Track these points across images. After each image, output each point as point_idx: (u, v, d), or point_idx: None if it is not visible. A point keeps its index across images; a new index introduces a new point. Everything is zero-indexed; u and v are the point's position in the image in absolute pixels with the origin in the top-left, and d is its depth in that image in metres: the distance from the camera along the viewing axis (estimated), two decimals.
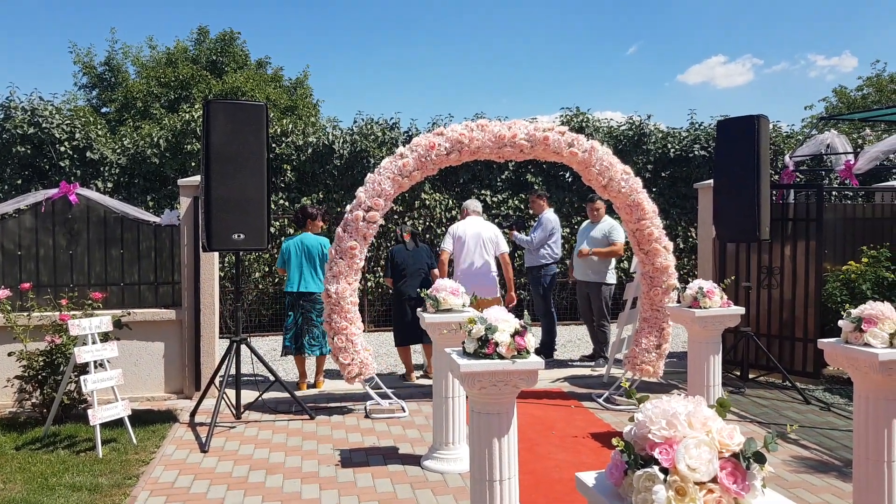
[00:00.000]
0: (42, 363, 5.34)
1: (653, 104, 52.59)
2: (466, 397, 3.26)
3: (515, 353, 3.09)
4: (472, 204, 7.32)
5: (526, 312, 7.82)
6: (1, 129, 9.39)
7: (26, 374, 5.35)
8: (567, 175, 10.71)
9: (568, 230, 10.72)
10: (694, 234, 10.55)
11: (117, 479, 4.32)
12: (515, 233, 8.06)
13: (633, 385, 6.33)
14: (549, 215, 7.87)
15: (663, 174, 10.98)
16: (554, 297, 10.51)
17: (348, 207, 5.79)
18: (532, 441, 5.08)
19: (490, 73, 48.67)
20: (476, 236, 6.95)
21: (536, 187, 10.14)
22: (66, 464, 4.56)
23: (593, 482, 1.69)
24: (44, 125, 9.38)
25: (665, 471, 1.46)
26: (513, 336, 3.11)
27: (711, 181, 6.78)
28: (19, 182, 9.30)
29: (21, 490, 4.12)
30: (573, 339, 9.52)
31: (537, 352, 8.32)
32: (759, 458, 1.46)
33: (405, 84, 46.49)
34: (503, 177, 10.68)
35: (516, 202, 10.57)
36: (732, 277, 5.27)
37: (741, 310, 4.83)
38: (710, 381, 4.73)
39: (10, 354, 5.43)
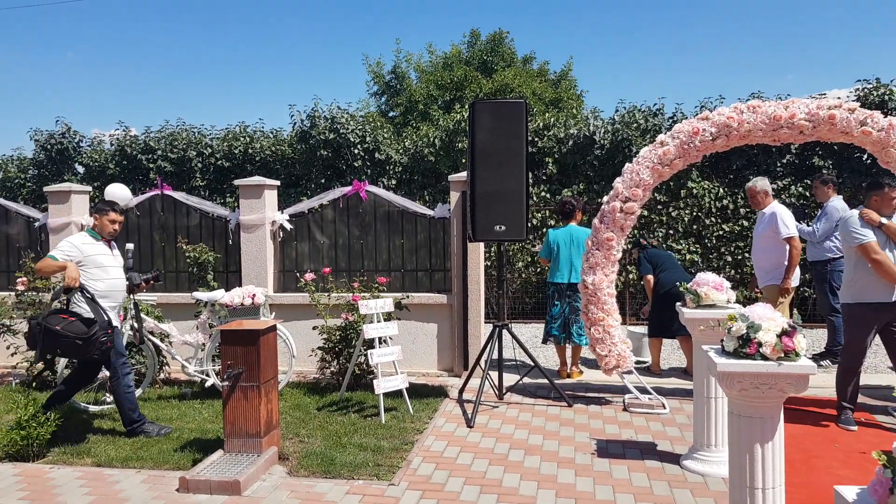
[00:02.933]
0: (338, 337, 6.22)
1: None
2: None
3: (782, 355, 2.90)
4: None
5: (796, 311, 7.09)
6: (308, 135, 11.00)
7: (326, 346, 6.29)
8: (865, 157, 9.42)
9: None
10: None
11: (396, 443, 4.89)
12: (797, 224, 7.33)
13: None
14: (837, 203, 7.00)
15: None
16: None
17: (605, 198, 5.79)
18: (809, 453, 4.65)
19: (771, 47, 44.18)
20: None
21: (823, 172, 9.08)
22: (356, 426, 5.27)
23: (854, 498, 1.57)
24: (341, 131, 10.79)
25: None
26: (779, 336, 2.92)
27: None
28: (322, 181, 10.82)
29: (320, 445, 4.88)
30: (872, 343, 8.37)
31: (821, 356, 7.58)
32: None
33: (672, 67, 44.27)
34: (784, 161, 9.74)
35: (800, 189, 9.57)
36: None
37: None
38: None
39: (314, 328, 6.41)
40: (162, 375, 6.64)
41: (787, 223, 6.24)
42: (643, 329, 7.61)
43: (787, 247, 6.25)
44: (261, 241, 7.17)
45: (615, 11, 41.21)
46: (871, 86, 9.69)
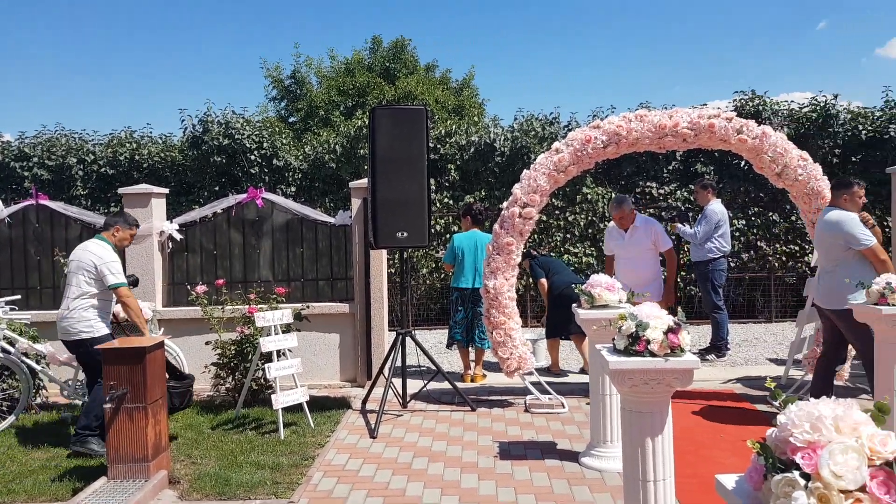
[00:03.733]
0: (234, 352, 5.98)
1: (847, 82, 47.52)
2: None
3: (668, 351, 3.00)
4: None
5: (680, 309, 7.49)
6: (200, 141, 10.58)
7: (220, 362, 6.03)
8: (742, 163, 10.04)
9: (744, 222, 10.06)
10: (889, 224, 9.45)
11: (295, 459, 4.74)
12: (679, 225, 7.71)
13: None
14: (716, 207, 7.44)
15: (853, 159, 9.94)
16: (728, 294, 9.95)
17: (505, 204, 5.88)
18: (699, 444, 4.87)
19: (658, 59, 46.57)
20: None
21: (704, 177, 9.61)
22: (253, 444, 5.08)
23: (733, 485, 1.63)
24: (236, 136, 10.45)
25: (807, 476, 1.38)
26: (665, 333, 3.02)
27: None
28: (216, 189, 10.42)
29: (214, 465, 4.65)
30: (749, 338, 8.92)
31: (706, 351, 7.98)
32: None
33: (567, 78, 45.82)
34: (670, 167, 10.25)
35: (685, 194, 10.09)
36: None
37: None
38: None
39: (207, 343, 6.13)
40: (38, 400, 6.15)
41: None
42: (535, 335, 7.76)
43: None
44: (148, 252, 6.81)
45: (515, 22, 42.24)
46: (747, 97, 10.36)
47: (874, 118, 10.00)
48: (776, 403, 1.53)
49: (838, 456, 1.36)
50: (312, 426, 5.44)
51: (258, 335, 5.72)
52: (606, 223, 10.16)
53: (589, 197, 10.18)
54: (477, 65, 39.69)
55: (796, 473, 1.39)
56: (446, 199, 10.39)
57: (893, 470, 1.35)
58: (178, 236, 6.91)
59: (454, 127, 10.65)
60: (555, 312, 6.84)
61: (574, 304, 4.74)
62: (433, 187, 10.23)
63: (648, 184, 10.21)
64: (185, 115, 10.77)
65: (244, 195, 6.98)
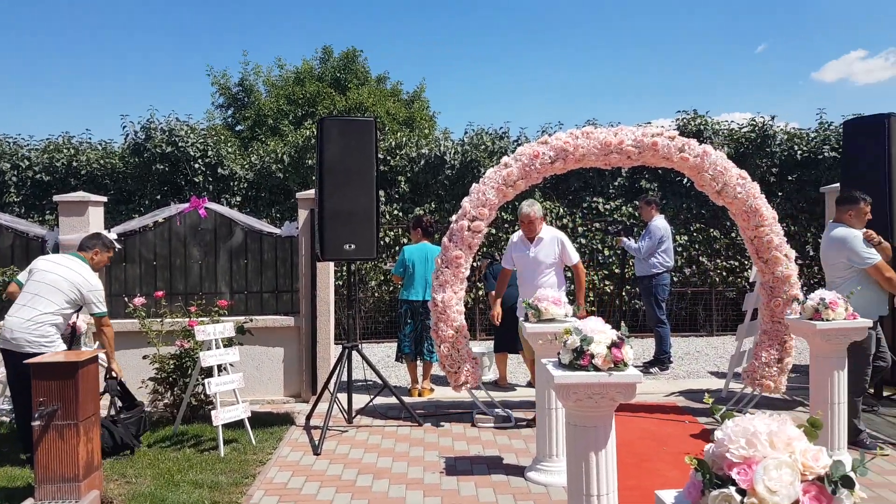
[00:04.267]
0: (173, 366, 5.79)
1: (784, 104, 49.50)
2: None
3: (612, 366, 3.03)
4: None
5: (623, 323, 7.59)
6: (142, 148, 10.29)
7: (159, 377, 5.83)
8: (685, 180, 10.30)
9: (686, 238, 10.31)
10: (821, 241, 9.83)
11: (236, 477, 4.61)
12: (624, 239, 7.84)
13: (754, 401, 5.99)
14: (659, 223, 7.60)
15: (790, 178, 10.32)
16: (671, 308, 10.17)
17: (453, 217, 5.88)
18: (641, 456, 4.92)
19: (607, 78, 47.65)
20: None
21: (648, 194, 9.83)
22: (191, 461, 4.91)
23: (672, 501, 1.63)
24: (180, 144, 10.19)
25: (742, 492, 1.39)
26: (609, 348, 3.05)
27: (839, 185, 6.30)
28: (158, 198, 10.15)
29: (150, 485, 4.48)
30: (691, 351, 9.12)
31: (650, 364, 8.10)
32: (848, 483, 1.36)
33: (518, 93, 46.46)
34: (616, 183, 10.45)
35: (630, 209, 10.29)
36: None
37: (868, 322, 4.45)
38: (835, 398, 4.39)
39: (144, 357, 5.93)
40: None
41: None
42: (483, 348, 7.77)
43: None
44: None
45: (466, 37, 42.62)
46: (689, 116, 10.66)
47: (809, 139, 10.40)
48: (716, 417, 1.54)
49: (772, 471, 1.38)
50: (254, 443, 5.31)
51: (198, 349, 5.56)
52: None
53: None
54: (428, 77, 39.86)
55: (732, 489, 1.40)
56: (396, 211, 10.34)
57: (825, 485, 1.37)
58: (116, 246, 6.66)
59: (404, 139, 10.64)
60: (504, 326, 6.83)
61: (521, 318, 4.76)
62: (383, 199, 10.18)
63: (595, 199, 10.38)
64: (126, 122, 10.49)
65: (186, 204, 6.80)
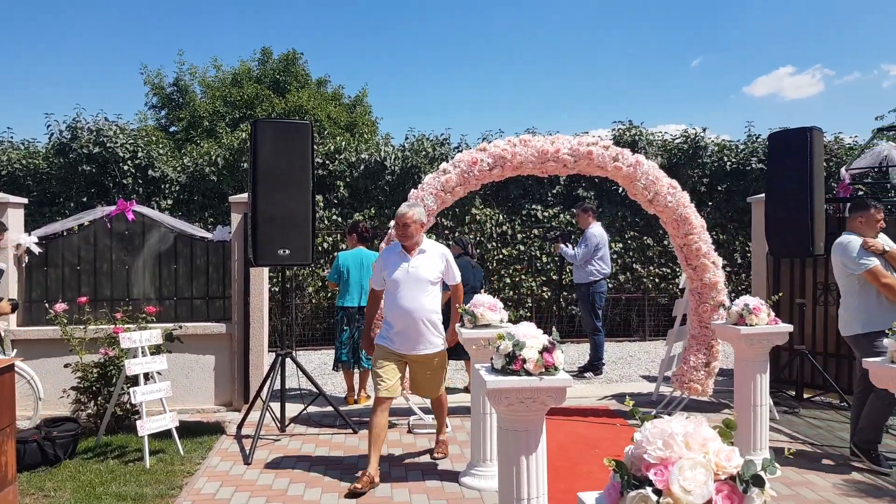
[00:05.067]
0: (96, 375, 5.56)
1: (717, 117, 51.36)
2: None
3: (543, 370, 3.06)
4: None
5: (555, 329, 7.68)
6: (68, 148, 9.88)
7: (81, 386, 5.59)
8: (620, 189, 10.54)
9: (621, 245, 10.54)
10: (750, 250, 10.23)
11: (161, 489, 4.45)
12: (562, 246, 7.95)
13: (682, 404, 6.16)
14: (595, 230, 7.74)
15: (719, 188, 10.69)
16: (606, 314, 10.36)
17: (391, 223, 5.85)
18: (574, 460, 4.98)
19: (549, 88, 48.50)
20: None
21: (585, 201, 10.02)
22: (115, 473, 4.72)
23: (593, 503, 1.65)
24: (108, 145, 9.83)
25: (658, 492, 1.41)
26: (541, 353, 3.08)
27: (764, 195, 6.55)
28: (84, 200, 9.75)
29: (69, 498, 4.28)
30: (624, 355, 9.32)
31: (585, 368, 8.19)
32: (758, 482, 1.39)
33: (460, 101, 46.80)
34: (554, 191, 10.61)
35: (568, 217, 10.46)
36: (780, 294, 5.07)
37: (789, 327, 4.63)
38: (758, 400, 4.55)
39: (66, 366, 5.68)
40: None
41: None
42: None
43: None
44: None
45: (409, 43, 42.69)
46: (624, 127, 10.92)
47: (738, 151, 10.80)
48: (636, 420, 1.56)
49: (687, 471, 1.40)
50: (182, 453, 5.14)
51: (124, 357, 5.36)
52: (494, 243, 10.40)
53: (477, 218, 10.34)
54: (370, 82, 39.66)
55: (649, 489, 1.42)
56: (335, 217, 10.23)
57: (737, 484, 1.40)
58: (36, 250, 6.37)
59: (344, 144, 10.54)
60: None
61: (458, 324, 4.76)
62: (321, 204, 10.06)
63: (534, 206, 10.51)
64: (51, 120, 10.04)
65: (113, 207, 6.55)
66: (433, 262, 4.75)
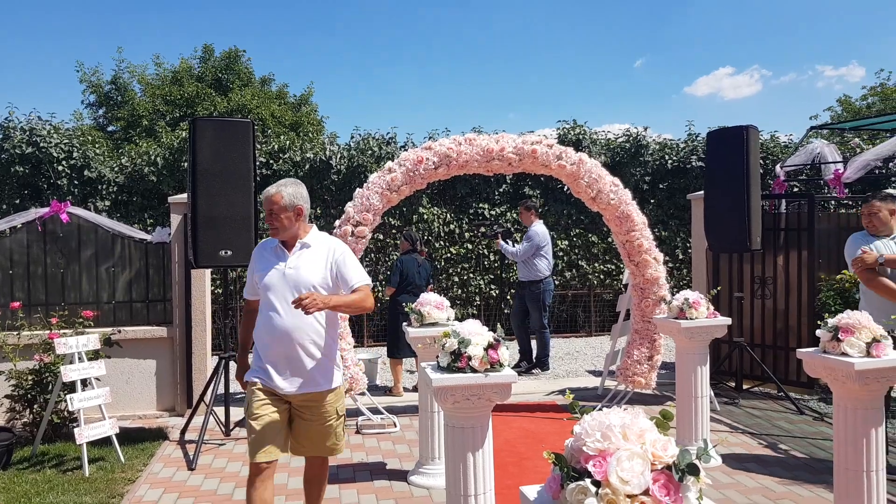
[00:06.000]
0: (31, 382, 5.35)
1: (659, 117, 52.65)
2: None
3: (489, 367, 3.08)
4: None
5: (500, 325, 7.70)
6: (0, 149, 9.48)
7: (16, 394, 5.37)
8: (565, 187, 10.70)
9: (567, 242, 10.70)
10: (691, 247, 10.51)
11: (101, 497, 4.31)
12: (501, 242, 7.95)
13: (626, 397, 6.29)
14: (538, 228, 7.77)
15: (661, 185, 10.96)
16: (553, 311, 10.51)
17: (337, 223, 5.81)
18: (521, 455, 5.04)
19: (494, 88, 48.87)
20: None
21: (527, 199, 10.09)
22: (52, 483, 4.55)
23: (535, 496, 1.67)
24: (41, 144, 9.46)
25: (597, 483, 1.44)
26: (486, 349, 3.09)
27: (703, 192, 6.75)
28: (17, 201, 9.36)
29: None
30: (571, 351, 9.47)
31: (532, 365, 8.26)
32: (693, 470, 1.43)
33: (407, 100, 46.75)
34: (501, 190, 10.69)
35: (514, 215, 10.56)
36: (719, 288, 5.24)
37: (727, 320, 4.79)
38: (699, 391, 4.68)
39: None
40: None
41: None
42: (369, 354, 7.72)
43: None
44: None
45: (354, 42, 42.38)
46: (569, 126, 11.08)
47: (679, 149, 11.08)
48: (575, 413, 1.59)
49: (625, 462, 1.43)
50: (123, 460, 4.99)
51: (60, 363, 5.17)
52: (441, 242, 10.42)
53: (425, 217, 10.35)
54: (316, 82, 39.22)
55: (588, 481, 1.45)
56: None
57: (673, 473, 1.44)
58: None
59: (288, 143, 10.40)
60: (397, 331, 6.71)
61: (405, 323, 4.76)
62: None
63: (481, 205, 10.57)
64: None
65: (47, 209, 6.31)
66: (319, 260, 3.36)
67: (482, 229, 9.05)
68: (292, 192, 3.40)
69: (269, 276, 3.33)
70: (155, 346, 6.33)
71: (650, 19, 48.82)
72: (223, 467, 4.93)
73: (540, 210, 10.55)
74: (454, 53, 47.27)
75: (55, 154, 9.51)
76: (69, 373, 4.94)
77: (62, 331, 5.42)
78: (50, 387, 5.32)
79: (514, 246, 7.94)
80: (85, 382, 5.08)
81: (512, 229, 9.56)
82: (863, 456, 3.06)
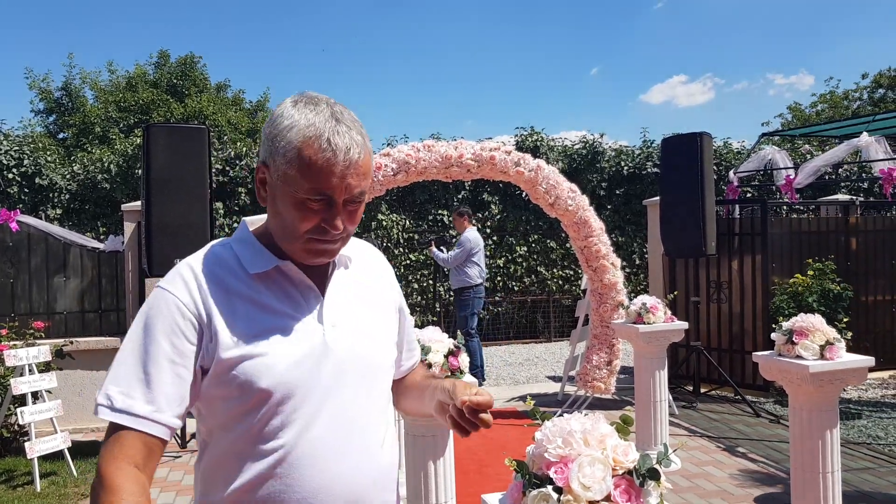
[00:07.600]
0: None
1: (615, 124, 53.59)
2: None
3: (449, 374, 3.08)
4: None
5: (459, 332, 7.60)
6: None
7: None
8: (524, 194, 10.77)
9: (525, 248, 10.78)
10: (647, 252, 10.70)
11: None
12: (434, 249, 7.80)
13: (586, 402, 6.36)
14: (469, 234, 7.57)
15: (617, 192, 11.13)
16: (513, 316, 10.58)
17: None
18: (482, 462, 5.05)
19: (452, 95, 49.08)
20: None
21: (461, 206, 9.94)
22: (1, 500, 4.40)
23: (497, 503, 1.67)
24: None
25: (559, 490, 1.45)
26: (446, 357, 3.10)
27: (658, 198, 6.87)
28: None
29: None
30: (531, 357, 9.53)
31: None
32: (654, 475, 1.45)
33: (364, 106, 46.64)
34: (460, 196, 10.73)
35: (473, 222, 10.58)
36: (676, 293, 5.34)
37: (684, 325, 4.88)
38: (657, 395, 4.76)
39: None
40: None
41: None
42: None
43: None
44: None
45: (312, 48, 42.12)
46: (527, 133, 11.20)
47: (635, 156, 11.29)
48: (537, 419, 1.60)
49: (586, 468, 1.44)
50: (76, 475, 4.85)
51: (9, 376, 5.00)
52: (401, 248, 10.39)
53: (384, 223, 10.32)
54: (272, 87, 38.79)
55: (550, 488, 1.45)
56: (236, 225, 9.92)
57: (634, 478, 1.45)
58: None
59: (245, 149, 10.27)
60: None
61: None
62: (221, 212, 9.75)
63: (440, 212, 10.59)
64: None
65: None
66: (373, 296, 1.56)
67: (420, 238, 8.93)
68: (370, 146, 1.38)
69: (292, 353, 1.31)
70: (108, 357, 6.14)
71: (606, 28, 49.72)
72: (179, 480, 4.83)
73: (497, 217, 10.63)
74: (410, 59, 47.37)
75: (5, 161, 9.23)
76: (19, 385, 4.78)
77: (12, 342, 5.25)
78: None
79: (446, 253, 7.82)
80: (36, 395, 4.93)
81: (446, 236, 9.46)
82: (818, 457, 3.14)
